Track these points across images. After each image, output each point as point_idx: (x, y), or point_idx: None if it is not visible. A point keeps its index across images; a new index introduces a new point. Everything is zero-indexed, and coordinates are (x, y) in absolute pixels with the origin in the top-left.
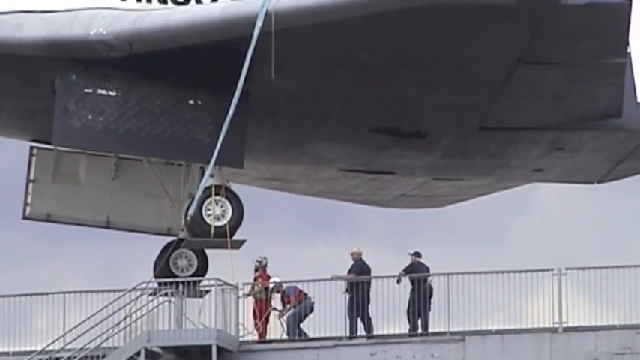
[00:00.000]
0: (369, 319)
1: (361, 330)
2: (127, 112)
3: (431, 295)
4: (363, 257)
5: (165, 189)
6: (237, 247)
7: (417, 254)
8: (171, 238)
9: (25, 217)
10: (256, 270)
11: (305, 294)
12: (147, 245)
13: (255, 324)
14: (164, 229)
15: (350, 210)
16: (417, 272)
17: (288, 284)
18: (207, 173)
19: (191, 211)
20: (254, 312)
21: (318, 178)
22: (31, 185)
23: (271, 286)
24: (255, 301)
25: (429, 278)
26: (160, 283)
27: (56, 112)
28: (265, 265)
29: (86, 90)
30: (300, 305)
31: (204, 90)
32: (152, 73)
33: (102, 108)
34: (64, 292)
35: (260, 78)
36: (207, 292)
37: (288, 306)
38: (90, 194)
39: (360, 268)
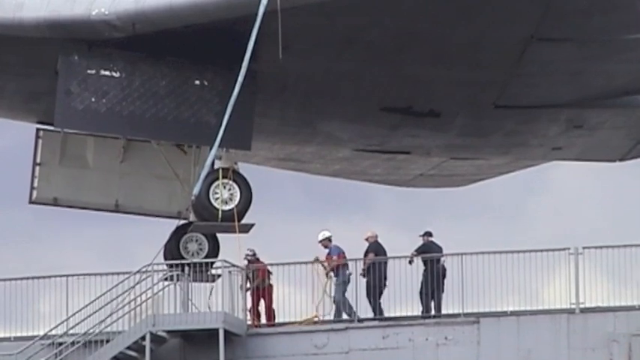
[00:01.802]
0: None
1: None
2: (131, 94)
3: (444, 276)
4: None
5: (175, 171)
6: (246, 231)
7: (429, 234)
8: (181, 222)
9: (31, 201)
10: (251, 262)
11: (345, 263)
12: (152, 227)
13: (255, 311)
14: (174, 212)
15: (362, 189)
16: (429, 253)
17: (334, 244)
18: (212, 153)
19: (195, 191)
20: (253, 299)
21: (332, 158)
22: (37, 168)
23: (321, 238)
24: (257, 290)
25: (442, 259)
26: (168, 266)
27: (58, 94)
28: (257, 256)
29: (89, 71)
30: (341, 275)
31: (211, 70)
32: (156, 53)
33: (105, 89)
34: (67, 276)
35: (268, 57)
36: (218, 276)
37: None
38: (98, 177)
39: (375, 250)
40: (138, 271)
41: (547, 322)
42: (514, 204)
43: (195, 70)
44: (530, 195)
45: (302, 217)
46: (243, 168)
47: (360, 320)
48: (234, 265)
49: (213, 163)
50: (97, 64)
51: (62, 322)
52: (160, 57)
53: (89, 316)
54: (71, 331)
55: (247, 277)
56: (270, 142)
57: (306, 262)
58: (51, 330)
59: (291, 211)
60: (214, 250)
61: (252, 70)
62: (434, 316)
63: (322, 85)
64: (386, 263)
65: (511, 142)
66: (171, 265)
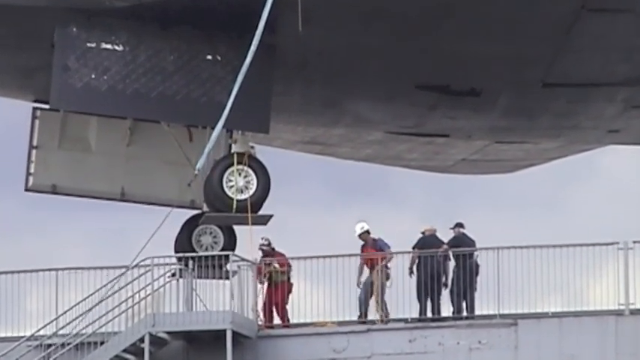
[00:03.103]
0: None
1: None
2: (136, 70)
3: (477, 273)
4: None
5: (188, 156)
6: (264, 223)
7: (460, 225)
8: (194, 212)
9: (27, 189)
10: (265, 255)
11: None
12: (155, 216)
13: (268, 310)
14: (187, 201)
15: (388, 177)
16: (462, 246)
17: (382, 238)
18: (219, 128)
19: (199, 165)
20: (269, 297)
21: (363, 141)
22: (34, 152)
23: (359, 232)
24: (272, 285)
25: (476, 253)
26: (177, 259)
27: (55, 70)
28: (273, 247)
29: (88, 44)
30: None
31: (225, 43)
32: (164, 24)
33: (107, 65)
34: (57, 270)
35: (287, 29)
36: (234, 272)
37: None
38: (102, 162)
39: (423, 243)
40: (136, 265)
41: (592, 325)
42: (557, 193)
43: (207, 43)
44: (575, 183)
45: (320, 208)
46: (261, 152)
47: (385, 321)
48: (243, 260)
49: (230, 147)
50: (98, 37)
51: (51, 322)
52: (168, 28)
53: (81, 315)
54: (61, 332)
55: (260, 271)
56: (293, 124)
57: (325, 256)
58: (39, 330)
59: (309, 201)
60: (230, 243)
61: (270, 44)
62: (466, 318)
63: (348, 61)
64: (446, 258)
65: (562, 124)
66: (180, 259)
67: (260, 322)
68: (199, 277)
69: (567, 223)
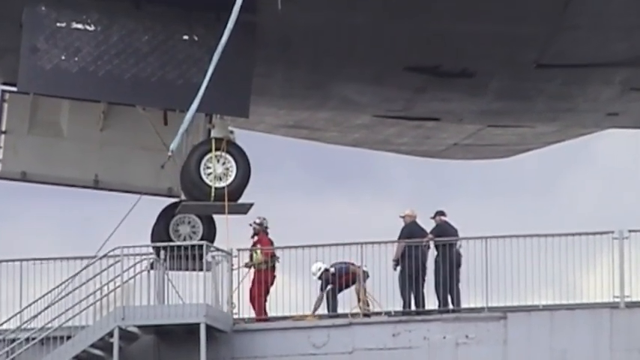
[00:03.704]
0: (422, 293)
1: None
2: (108, 51)
3: (459, 264)
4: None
5: (165, 141)
6: (244, 212)
7: (441, 213)
8: (172, 200)
9: None
10: (256, 234)
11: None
12: (125, 203)
13: (252, 299)
14: (164, 189)
15: (372, 162)
16: (446, 236)
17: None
18: (193, 109)
19: (172, 146)
20: (252, 284)
21: (350, 125)
22: (2, 137)
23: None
24: (256, 272)
25: (457, 243)
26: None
27: (22, 52)
28: (267, 228)
29: (58, 24)
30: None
31: (202, 23)
32: (138, 3)
33: (78, 46)
34: (21, 260)
35: (267, 8)
36: (209, 264)
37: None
38: (74, 148)
39: (409, 233)
40: (105, 256)
41: (586, 319)
42: (549, 179)
43: (183, 22)
44: (569, 169)
45: (300, 196)
46: (241, 137)
47: (367, 315)
48: (218, 250)
49: (209, 132)
50: (68, 16)
51: (15, 315)
52: (142, 7)
53: (47, 307)
54: (25, 326)
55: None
56: (276, 107)
57: (304, 246)
58: (1, 324)
59: (288, 188)
60: (210, 233)
61: (249, 22)
62: (453, 311)
63: (333, 41)
64: (427, 248)
65: (558, 107)
66: (155, 250)
67: (235, 316)
68: (172, 268)
69: (560, 212)
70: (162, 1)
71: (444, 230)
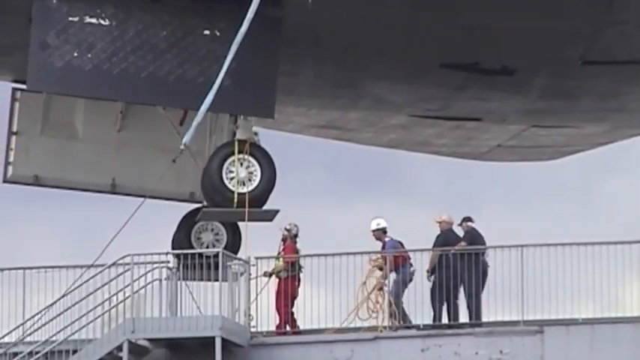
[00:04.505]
0: (456, 305)
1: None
2: (124, 47)
3: (485, 274)
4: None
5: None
6: (270, 219)
7: (469, 219)
8: (194, 206)
9: (6, 180)
10: (284, 241)
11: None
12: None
13: (278, 310)
14: (185, 193)
15: (401, 165)
16: (476, 243)
17: (389, 238)
18: (207, 102)
19: (185, 139)
20: (277, 294)
21: (385, 125)
22: (13, 139)
23: (374, 227)
24: (279, 281)
25: (486, 252)
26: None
27: (32, 48)
28: (296, 235)
29: (70, 18)
30: (400, 272)
31: (223, 17)
32: None
33: (91, 42)
34: (24, 268)
35: (294, 1)
36: (241, 274)
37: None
38: (90, 150)
39: (445, 241)
40: (114, 264)
41: (628, 333)
42: (590, 184)
43: (204, 17)
44: (611, 172)
45: (324, 201)
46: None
47: (394, 328)
48: (235, 258)
49: (234, 134)
50: (81, 10)
51: (18, 327)
52: (160, 0)
53: (52, 319)
54: (29, 339)
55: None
56: (306, 107)
57: (326, 255)
58: (3, 337)
59: (311, 192)
60: (234, 241)
61: (275, 17)
62: (487, 324)
63: (364, 37)
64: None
65: (605, 107)
66: (174, 257)
67: (253, 329)
68: (186, 277)
69: (602, 218)
70: None
71: (475, 238)
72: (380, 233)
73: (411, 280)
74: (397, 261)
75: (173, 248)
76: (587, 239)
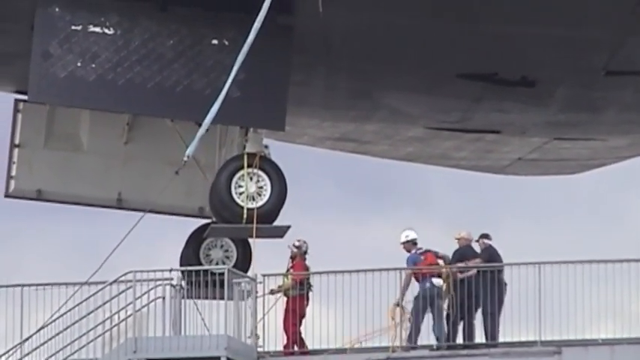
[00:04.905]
0: (471, 324)
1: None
2: (129, 57)
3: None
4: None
5: (195, 156)
6: (281, 236)
7: (486, 236)
8: (203, 222)
9: (8, 195)
10: (293, 258)
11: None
12: (142, 222)
13: (286, 329)
14: (194, 208)
15: (412, 179)
16: (493, 261)
17: (414, 250)
18: (208, 120)
19: (189, 151)
20: (285, 313)
21: (402, 138)
22: (16, 151)
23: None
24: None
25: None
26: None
27: (34, 57)
28: (305, 252)
29: (73, 27)
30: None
31: (232, 26)
32: (162, 4)
33: (95, 51)
34: (23, 285)
35: (306, 8)
36: (249, 293)
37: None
38: (95, 163)
39: (461, 256)
40: (115, 281)
41: None
42: (608, 201)
43: (212, 25)
44: (632, 187)
45: (335, 215)
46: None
47: (407, 348)
48: (241, 275)
49: (244, 147)
50: (85, 18)
51: (16, 347)
52: (167, 9)
53: (51, 338)
54: (27, 359)
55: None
56: (319, 119)
57: (335, 272)
58: (1, 357)
59: (323, 206)
60: (245, 258)
61: (286, 25)
62: (502, 345)
63: (379, 46)
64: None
65: (630, 119)
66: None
67: (260, 348)
68: (190, 296)
69: (622, 235)
70: (189, 2)
71: (492, 256)
72: (410, 245)
73: (439, 294)
74: (417, 275)
75: (181, 265)
76: (606, 257)
